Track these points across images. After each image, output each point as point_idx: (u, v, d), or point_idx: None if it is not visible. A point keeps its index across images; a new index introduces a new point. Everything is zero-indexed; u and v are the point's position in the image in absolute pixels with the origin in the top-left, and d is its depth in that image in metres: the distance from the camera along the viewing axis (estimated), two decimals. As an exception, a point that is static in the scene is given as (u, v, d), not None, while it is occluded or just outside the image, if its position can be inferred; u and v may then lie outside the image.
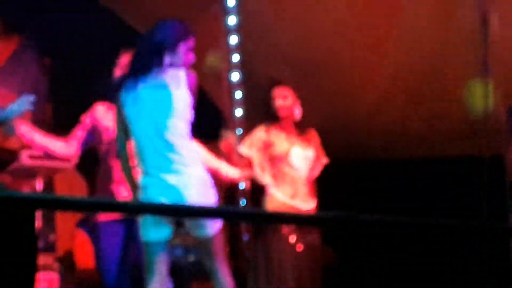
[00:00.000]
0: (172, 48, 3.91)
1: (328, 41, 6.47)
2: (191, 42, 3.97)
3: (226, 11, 6.53)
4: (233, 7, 6.60)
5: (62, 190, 7.16)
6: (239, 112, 6.72)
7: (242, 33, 6.67)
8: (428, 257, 7.34)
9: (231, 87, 6.60)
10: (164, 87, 3.85)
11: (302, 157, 4.95)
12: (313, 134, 5.05)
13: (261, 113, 5.11)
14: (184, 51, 3.95)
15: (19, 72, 7.13)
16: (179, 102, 3.84)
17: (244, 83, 6.72)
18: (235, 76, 6.67)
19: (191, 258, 5.73)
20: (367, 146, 7.02)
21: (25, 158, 5.76)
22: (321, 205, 5.05)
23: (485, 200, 4.85)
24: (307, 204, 4.91)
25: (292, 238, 4.90)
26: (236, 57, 6.65)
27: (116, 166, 4.34)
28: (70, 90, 7.07)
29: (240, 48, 6.64)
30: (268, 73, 6.88)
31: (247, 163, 4.70)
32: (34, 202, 2.20)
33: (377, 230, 4.98)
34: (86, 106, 4.73)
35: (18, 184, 6.28)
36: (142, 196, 3.87)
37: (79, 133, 4.62)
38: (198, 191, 3.83)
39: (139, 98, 3.84)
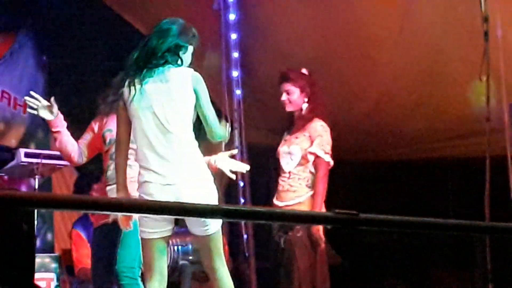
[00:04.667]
0: (186, 49, 3.96)
1: (328, 40, 6.45)
2: (196, 47, 4.02)
3: (226, 9, 6.52)
4: (233, 4, 6.59)
5: (59, 188, 7.15)
6: (238, 111, 6.71)
7: (242, 31, 6.66)
8: (429, 257, 7.33)
9: (231, 86, 6.59)
10: (168, 83, 3.86)
11: (286, 154, 4.93)
12: (311, 126, 4.96)
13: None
14: (191, 54, 4.00)
15: (16, 69, 7.10)
16: (181, 97, 3.85)
17: (243, 82, 6.71)
18: (235, 75, 6.66)
19: (191, 257, 5.71)
20: (366, 146, 7.00)
21: (22, 157, 5.74)
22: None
23: (487, 201, 4.83)
24: (282, 203, 4.88)
25: (279, 238, 4.88)
26: (235, 56, 6.64)
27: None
28: (67, 87, 7.05)
29: (240, 46, 6.63)
30: (267, 71, 6.88)
31: None
32: (32, 201, 2.17)
33: (377, 230, 4.98)
34: (83, 105, 4.71)
35: (16, 182, 6.26)
36: (141, 191, 3.86)
37: (87, 140, 4.60)
38: (199, 188, 3.82)
39: (145, 93, 3.85)
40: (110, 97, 4.53)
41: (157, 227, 3.84)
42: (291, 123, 5.04)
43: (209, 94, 3.98)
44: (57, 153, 5.98)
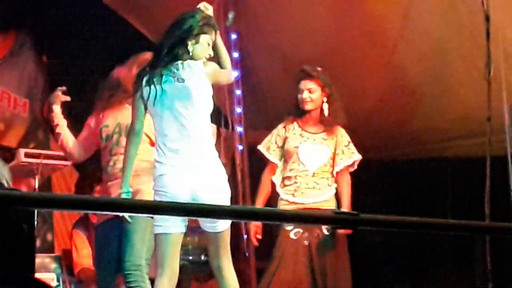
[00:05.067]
0: (196, 38, 3.94)
1: (328, 40, 6.44)
2: (212, 36, 3.99)
3: (226, 10, 6.51)
4: (233, 6, 6.59)
5: (59, 188, 7.14)
6: (238, 110, 6.71)
7: (241, 31, 6.66)
8: (429, 257, 7.33)
9: (231, 85, 6.58)
10: (184, 81, 3.88)
11: (312, 153, 4.89)
12: (339, 131, 4.97)
13: (288, 105, 5.03)
14: (206, 43, 3.98)
15: (16, 69, 7.09)
16: (198, 94, 3.87)
17: (243, 81, 6.71)
18: (235, 75, 6.65)
19: (191, 257, 5.71)
20: (367, 145, 6.99)
21: (22, 157, 5.73)
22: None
23: (487, 201, 4.83)
24: (308, 199, 4.86)
25: (296, 235, 4.85)
26: (235, 55, 6.64)
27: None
28: (67, 87, 7.04)
29: (239, 46, 6.63)
30: (267, 71, 6.88)
31: None
32: (32, 201, 2.17)
33: (377, 229, 4.97)
34: (83, 103, 4.70)
35: (16, 182, 6.25)
36: (157, 185, 3.87)
37: (85, 136, 4.59)
38: (214, 185, 3.84)
39: (163, 93, 3.87)
40: (106, 92, 4.53)
41: (174, 222, 3.85)
42: (299, 117, 4.98)
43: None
44: (57, 153, 5.99)
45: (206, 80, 3.90)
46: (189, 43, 3.92)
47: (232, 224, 5.42)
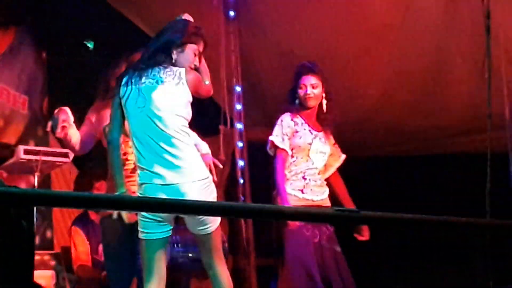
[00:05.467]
0: (181, 47, 3.92)
1: (329, 38, 6.44)
2: (200, 47, 3.97)
3: (226, 7, 6.51)
4: (233, 3, 6.59)
5: (59, 186, 7.14)
6: (238, 107, 6.71)
7: (242, 29, 6.66)
8: (429, 255, 7.33)
9: (231, 83, 6.58)
10: (163, 83, 3.84)
11: (320, 151, 4.89)
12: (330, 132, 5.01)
13: (286, 98, 4.98)
14: (192, 53, 3.95)
15: (15, 65, 7.08)
16: (177, 99, 3.83)
17: (243, 78, 6.71)
18: (235, 72, 6.66)
19: (190, 255, 5.70)
20: (368, 142, 7.00)
21: (22, 154, 5.72)
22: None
23: (488, 198, 4.82)
24: (317, 196, 4.85)
25: (307, 231, 4.83)
26: (235, 54, 6.64)
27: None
28: (67, 83, 7.04)
29: (239, 45, 6.63)
30: (267, 68, 6.88)
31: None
32: (31, 198, 2.16)
33: (378, 226, 4.98)
34: (83, 100, 4.69)
35: (15, 179, 6.24)
36: (140, 192, 3.85)
37: (85, 130, 4.58)
38: (198, 188, 3.80)
39: (140, 93, 3.84)
40: (102, 93, 4.52)
41: (157, 228, 3.84)
42: (301, 112, 4.94)
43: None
44: (57, 150, 5.98)
45: (185, 86, 3.85)
46: (174, 51, 3.90)
47: (232, 222, 5.43)
